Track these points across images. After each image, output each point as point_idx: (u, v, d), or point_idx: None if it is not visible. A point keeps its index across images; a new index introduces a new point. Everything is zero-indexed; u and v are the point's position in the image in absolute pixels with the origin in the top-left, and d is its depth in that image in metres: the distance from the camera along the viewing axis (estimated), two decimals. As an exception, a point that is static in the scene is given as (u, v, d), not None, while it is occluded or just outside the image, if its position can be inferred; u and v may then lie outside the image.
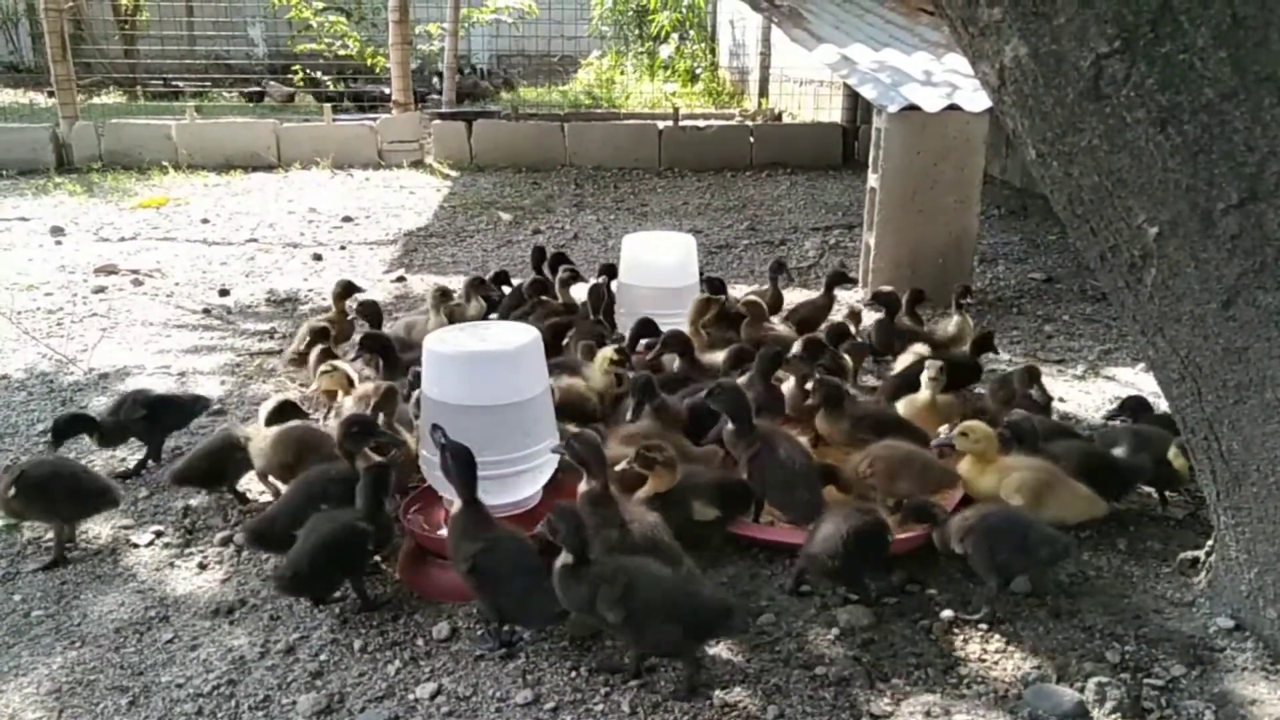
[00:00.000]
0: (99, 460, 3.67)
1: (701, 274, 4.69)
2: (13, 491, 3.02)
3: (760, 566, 3.00)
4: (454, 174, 9.51)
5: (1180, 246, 2.32)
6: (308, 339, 4.27)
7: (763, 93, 12.46)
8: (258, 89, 13.36)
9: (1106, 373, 4.65)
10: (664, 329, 4.05)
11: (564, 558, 2.43)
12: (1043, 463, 3.06)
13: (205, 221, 7.66)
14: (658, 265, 4.47)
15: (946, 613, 2.73)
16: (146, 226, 7.51)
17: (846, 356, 4.06)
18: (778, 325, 4.67)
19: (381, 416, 3.25)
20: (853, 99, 9.94)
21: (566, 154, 9.78)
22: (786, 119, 11.72)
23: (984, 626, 2.68)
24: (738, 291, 5.18)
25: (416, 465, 3.11)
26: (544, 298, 4.68)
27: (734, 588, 2.88)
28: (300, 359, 4.26)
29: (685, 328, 4.18)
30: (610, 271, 4.79)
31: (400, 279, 6.26)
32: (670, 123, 10.16)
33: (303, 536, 2.68)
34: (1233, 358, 2.37)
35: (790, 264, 6.11)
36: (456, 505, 2.62)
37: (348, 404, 3.58)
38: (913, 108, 5.22)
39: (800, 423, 3.54)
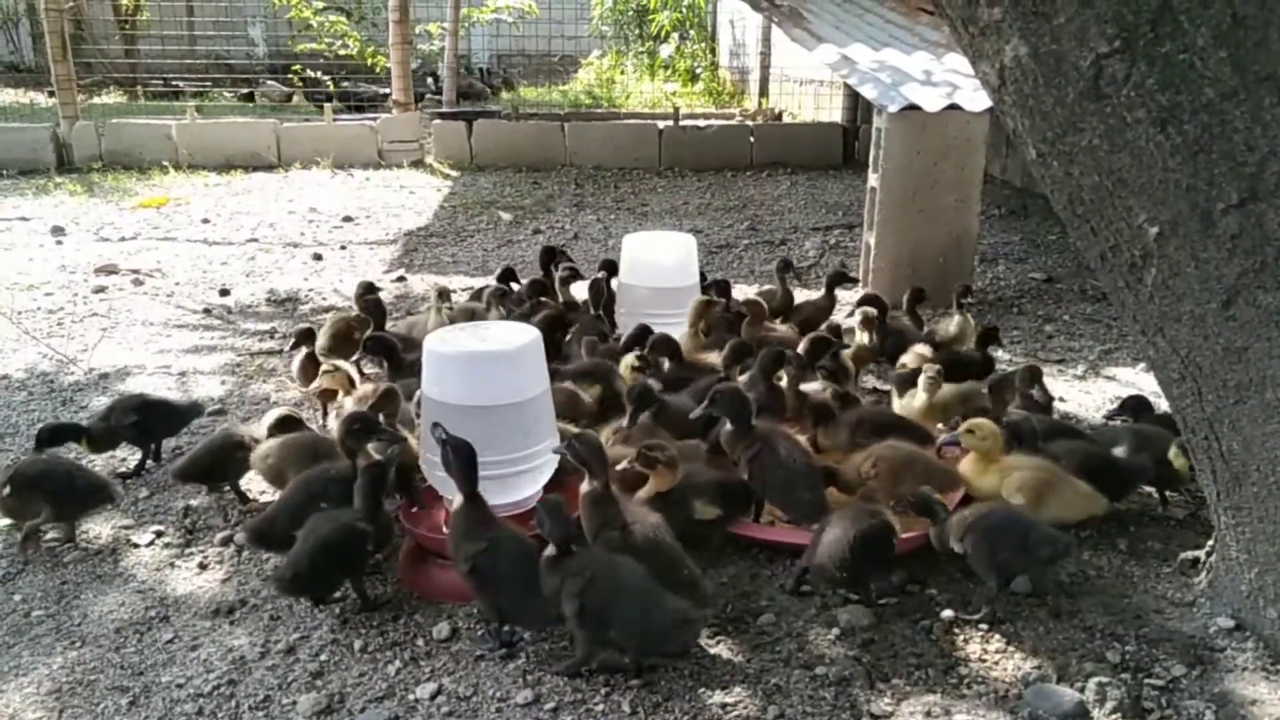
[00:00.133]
0: (99, 460, 3.66)
1: (702, 274, 4.69)
2: (7, 490, 3.02)
3: (760, 566, 3.00)
4: (454, 174, 9.51)
5: (1180, 246, 2.32)
6: (331, 333, 4.27)
7: (763, 92, 12.45)
8: (249, 89, 13.33)
9: (1107, 372, 4.65)
10: (664, 329, 4.05)
11: (548, 549, 2.46)
12: (1044, 462, 3.06)
13: (206, 221, 7.66)
14: (658, 265, 4.46)
15: (947, 613, 2.73)
16: (147, 226, 7.51)
17: (847, 358, 4.06)
18: (778, 326, 4.67)
19: (383, 417, 3.25)
20: (853, 99, 9.93)
21: (567, 154, 9.78)
22: (787, 119, 11.71)
23: (984, 626, 2.68)
24: (739, 293, 5.17)
25: (418, 466, 3.10)
26: (543, 299, 4.67)
27: (734, 588, 2.88)
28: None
29: (685, 328, 4.18)
30: (610, 267, 4.78)
31: (400, 279, 6.26)
32: (670, 122, 10.16)
33: (302, 537, 2.68)
34: (1233, 357, 2.37)
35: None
36: (458, 501, 2.62)
37: (348, 404, 3.58)
38: (913, 107, 5.21)
39: (800, 423, 3.54)
